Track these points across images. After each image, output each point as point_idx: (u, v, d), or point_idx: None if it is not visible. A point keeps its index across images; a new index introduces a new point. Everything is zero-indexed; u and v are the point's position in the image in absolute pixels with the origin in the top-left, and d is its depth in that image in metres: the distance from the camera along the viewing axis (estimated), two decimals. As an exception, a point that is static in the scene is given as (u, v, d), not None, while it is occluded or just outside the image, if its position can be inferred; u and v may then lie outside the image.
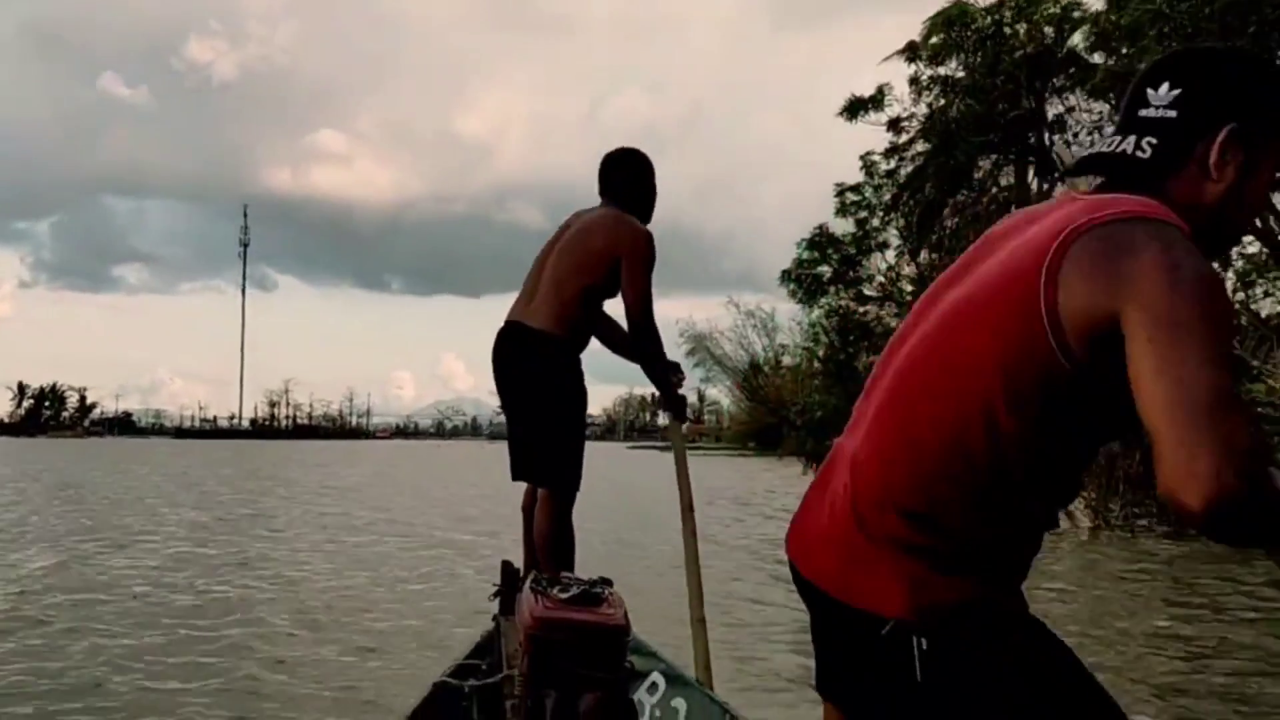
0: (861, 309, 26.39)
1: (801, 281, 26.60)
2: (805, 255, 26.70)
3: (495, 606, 3.90)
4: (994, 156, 22.95)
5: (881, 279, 26.30)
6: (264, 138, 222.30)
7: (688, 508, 3.77)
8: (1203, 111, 1.37)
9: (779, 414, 56.82)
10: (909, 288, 24.77)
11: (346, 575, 9.68)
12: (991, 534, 1.38)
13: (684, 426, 4.12)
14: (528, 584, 3.39)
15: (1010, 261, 1.35)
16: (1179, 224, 1.28)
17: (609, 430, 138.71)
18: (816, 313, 28.21)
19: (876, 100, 23.96)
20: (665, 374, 3.89)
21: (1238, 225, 1.43)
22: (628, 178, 3.92)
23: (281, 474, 30.79)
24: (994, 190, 23.66)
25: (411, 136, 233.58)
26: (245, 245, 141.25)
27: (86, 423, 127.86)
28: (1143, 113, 1.41)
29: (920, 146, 23.69)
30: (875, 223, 25.70)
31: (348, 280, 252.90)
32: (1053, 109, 22.18)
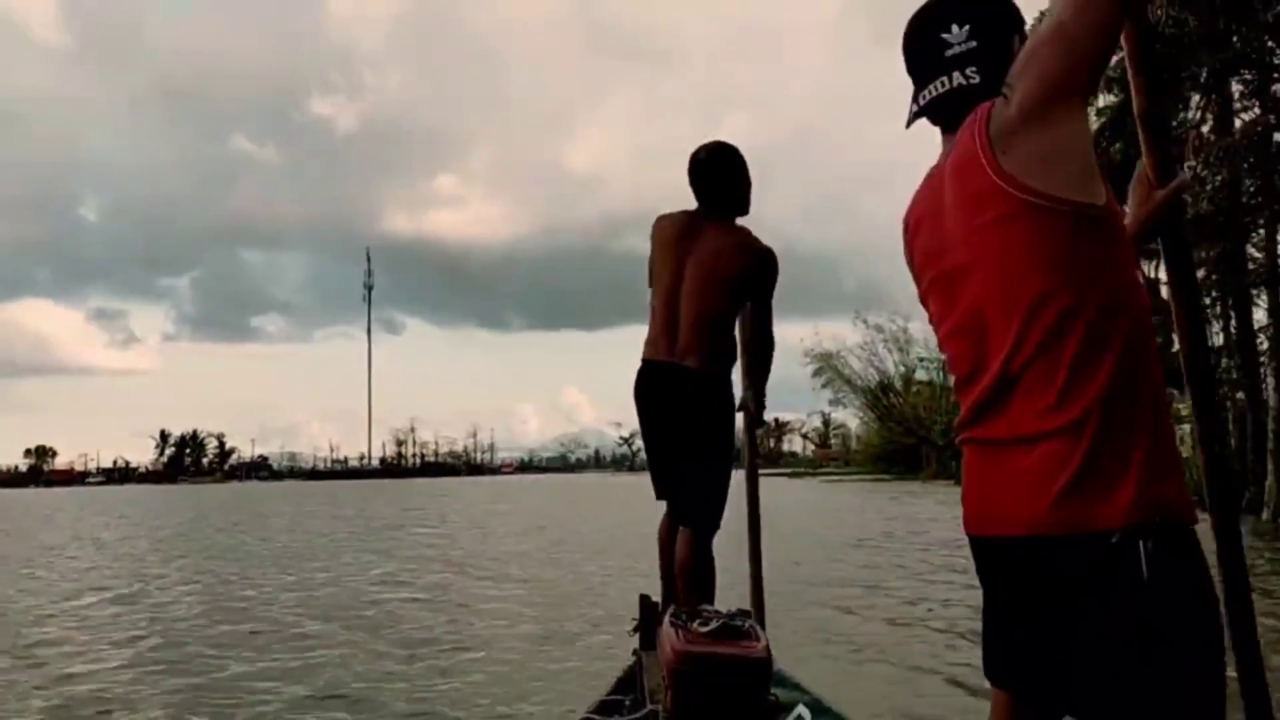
0: None
1: None
2: None
3: (635, 641, 3.90)
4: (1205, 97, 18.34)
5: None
6: (384, 184, 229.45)
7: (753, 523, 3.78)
8: (997, 35, 1.67)
9: (917, 434, 55.36)
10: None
11: (483, 610, 9.83)
12: (1163, 425, 1.51)
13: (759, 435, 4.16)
14: (667, 618, 3.38)
15: (964, 189, 1.59)
16: None
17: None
18: None
19: None
20: (763, 394, 3.97)
21: None
22: (728, 180, 3.79)
23: (403, 509, 31.44)
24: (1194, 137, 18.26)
25: (522, 173, 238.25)
26: (369, 289, 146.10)
27: (226, 467, 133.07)
28: (948, 53, 1.68)
29: (1106, 99, 18.78)
30: None
31: (471, 319, 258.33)
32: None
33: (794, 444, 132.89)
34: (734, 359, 3.77)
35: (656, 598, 3.91)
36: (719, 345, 3.67)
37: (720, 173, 3.78)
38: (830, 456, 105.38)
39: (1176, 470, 1.51)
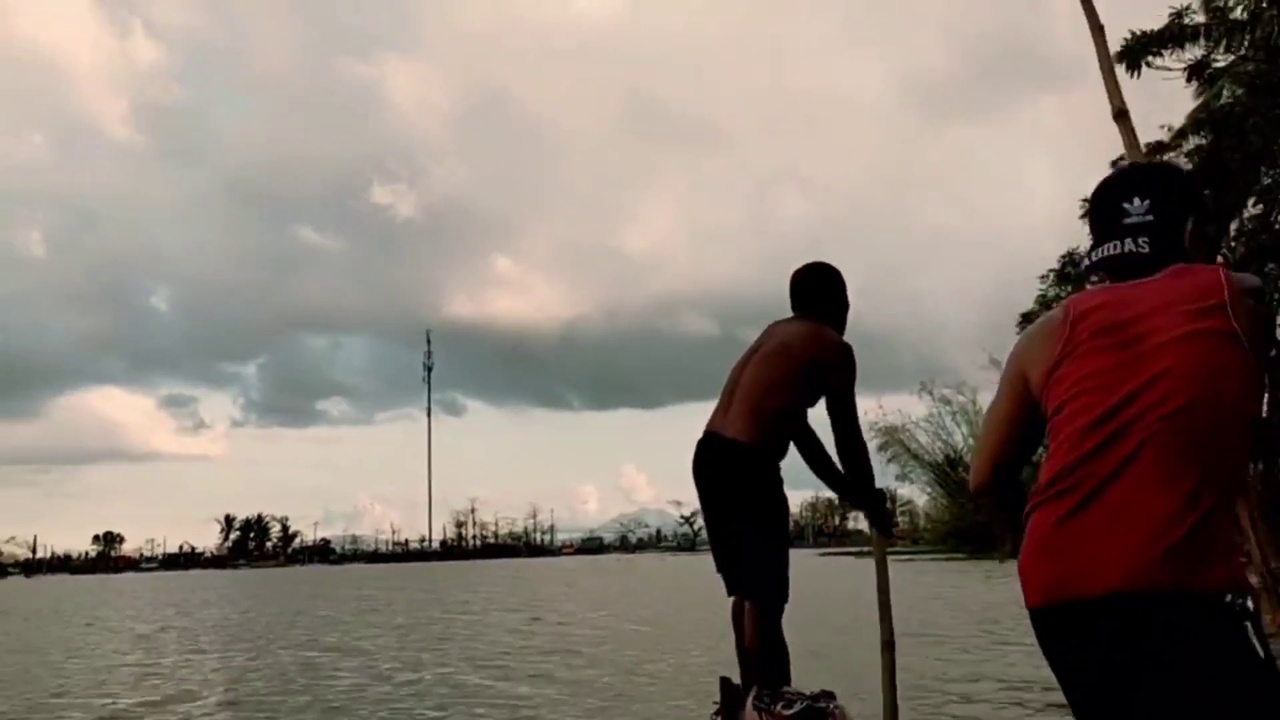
0: None
1: None
2: (1052, 293, 21.76)
3: (719, 724, 3.91)
4: None
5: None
6: (444, 268, 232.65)
7: (887, 644, 3.59)
8: (1173, 213, 1.92)
9: (989, 510, 53.04)
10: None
11: (560, 698, 9.80)
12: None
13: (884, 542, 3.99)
14: (750, 701, 3.42)
15: (1202, 318, 1.75)
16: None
17: (798, 536, 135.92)
18: None
19: (1175, 34, 15.80)
20: (872, 491, 3.87)
21: None
22: (819, 292, 4.01)
23: (461, 594, 31.36)
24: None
25: (577, 255, 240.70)
26: (429, 369, 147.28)
27: (290, 550, 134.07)
28: (1126, 221, 1.93)
29: (1192, 143, 17.14)
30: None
31: (529, 400, 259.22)
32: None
33: (860, 522, 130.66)
34: (786, 442, 3.83)
35: (737, 680, 3.94)
36: (768, 423, 3.73)
37: (814, 290, 4.02)
38: (900, 535, 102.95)
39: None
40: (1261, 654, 1.59)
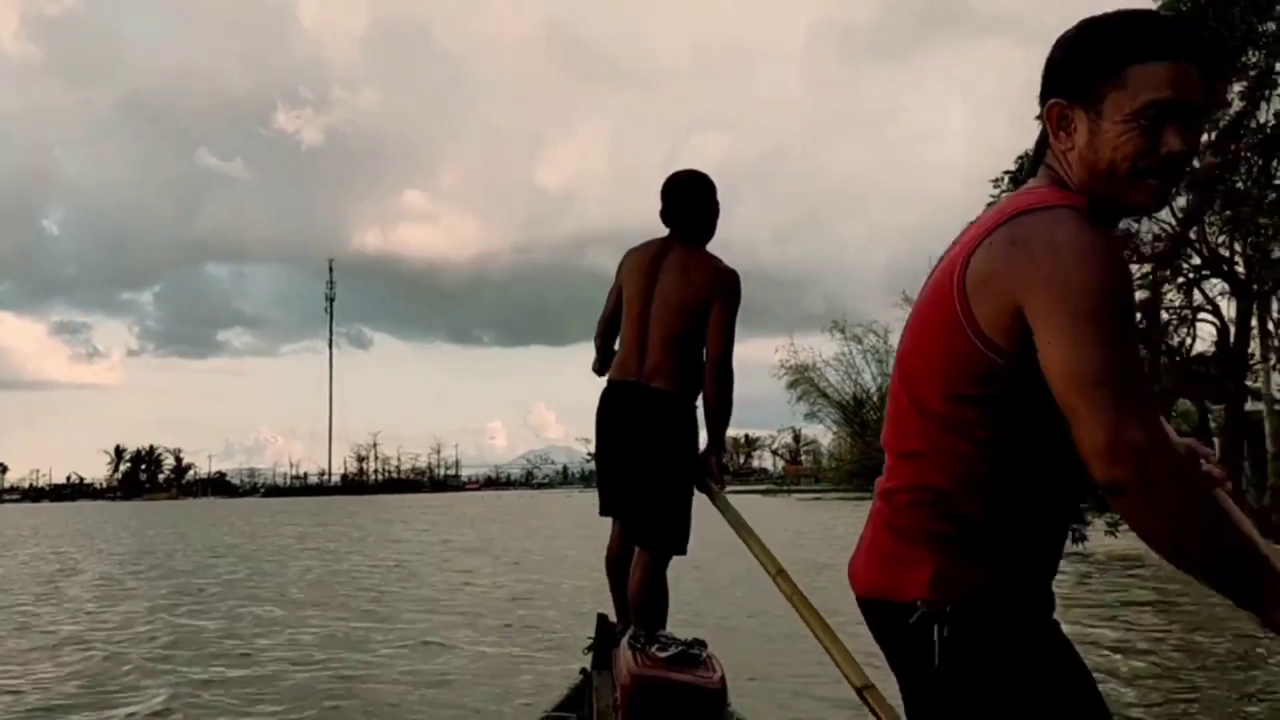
0: None
1: None
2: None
3: (588, 660, 3.87)
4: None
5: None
6: (353, 199, 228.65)
7: (778, 574, 3.53)
8: (1042, 96, 1.49)
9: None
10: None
11: (425, 619, 9.76)
12: (1004, 523, 1.44)
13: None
14: (625, 641, 3.36)
15: (940, 276, 1.48)
16: (1071, 201, 1.40)
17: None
18: None
19: None
20: (724, 433, 3.79)
21: (1112, 179, 1.43)
22: (711, 215, 3.83)
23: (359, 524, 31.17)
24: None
25: (492, 190, 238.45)
26: (331, 300, 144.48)
27: (183, 483, 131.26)
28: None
29: None
30: None
31: (440, 335, 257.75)
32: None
33: (764, 460, 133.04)
34: (700, 383, 3.72)
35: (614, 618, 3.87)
36: (687, 368, 3.66)
37: (694, 199, 3.81)
38: (801, 473, 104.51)
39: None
40: (936, 662, 1.43)
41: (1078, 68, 1.43)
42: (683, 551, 3.61)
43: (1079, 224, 1.34)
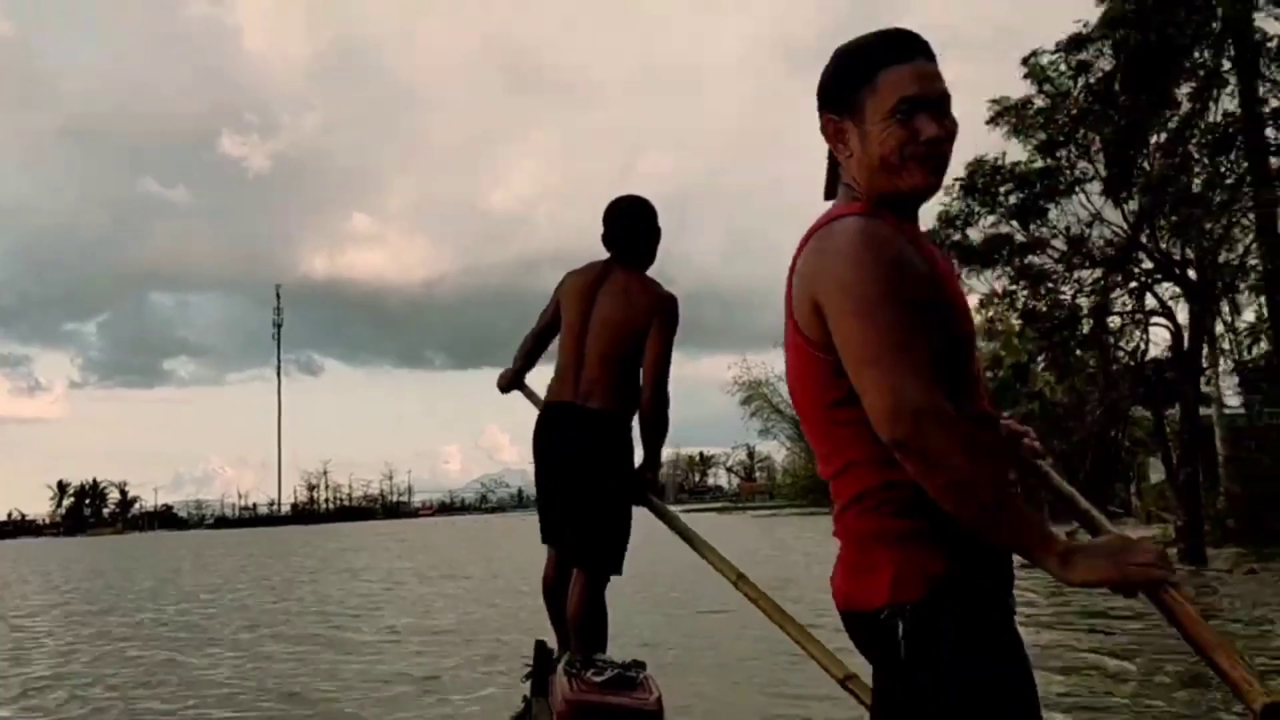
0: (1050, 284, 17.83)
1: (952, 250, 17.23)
2: (956, 208, 17.45)
3: (527, 687, 3.82)
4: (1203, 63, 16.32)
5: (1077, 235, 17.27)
6: (299, 224, 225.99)
7: (738, 579, 3.32)
8: (819, 115, 1.68)
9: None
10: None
11: (371, 646, 9.62)
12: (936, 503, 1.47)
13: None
14: (561, 666, 3.33)
15: (784, 302, 1.62)
16: (854, 210, 1.57)
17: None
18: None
19: None
20: (660, 449, 3.79)
21: (888, 171, 1.58)
22: (642, 232, 3.86)
23: (306, 555, 30.75)
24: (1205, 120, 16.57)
25: (439, 212, 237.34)
26: (279, 327, 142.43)
27: (129, 516, 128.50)
28: None
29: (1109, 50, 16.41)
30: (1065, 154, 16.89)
31: (389, 359, 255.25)
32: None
33: (719, 477, 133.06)
34: (636, 402, 3.71)
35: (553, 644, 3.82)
36: (623, 386, 3.66)
37: (635, 224, 3.85)
38: (756, 489, 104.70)
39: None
40: (902, 655, 1.48)
41: (839, 82, 1.62)
42: (618, 571, 3.59)
43: (857, 227, 1.51)
